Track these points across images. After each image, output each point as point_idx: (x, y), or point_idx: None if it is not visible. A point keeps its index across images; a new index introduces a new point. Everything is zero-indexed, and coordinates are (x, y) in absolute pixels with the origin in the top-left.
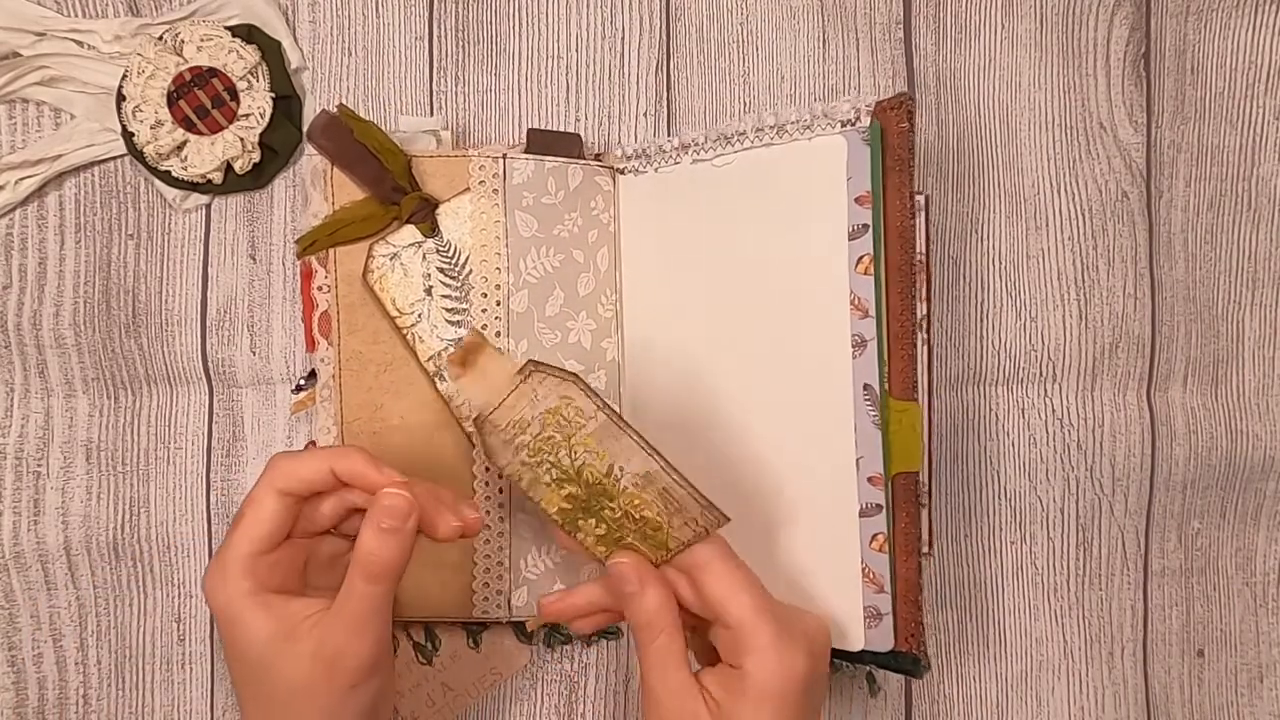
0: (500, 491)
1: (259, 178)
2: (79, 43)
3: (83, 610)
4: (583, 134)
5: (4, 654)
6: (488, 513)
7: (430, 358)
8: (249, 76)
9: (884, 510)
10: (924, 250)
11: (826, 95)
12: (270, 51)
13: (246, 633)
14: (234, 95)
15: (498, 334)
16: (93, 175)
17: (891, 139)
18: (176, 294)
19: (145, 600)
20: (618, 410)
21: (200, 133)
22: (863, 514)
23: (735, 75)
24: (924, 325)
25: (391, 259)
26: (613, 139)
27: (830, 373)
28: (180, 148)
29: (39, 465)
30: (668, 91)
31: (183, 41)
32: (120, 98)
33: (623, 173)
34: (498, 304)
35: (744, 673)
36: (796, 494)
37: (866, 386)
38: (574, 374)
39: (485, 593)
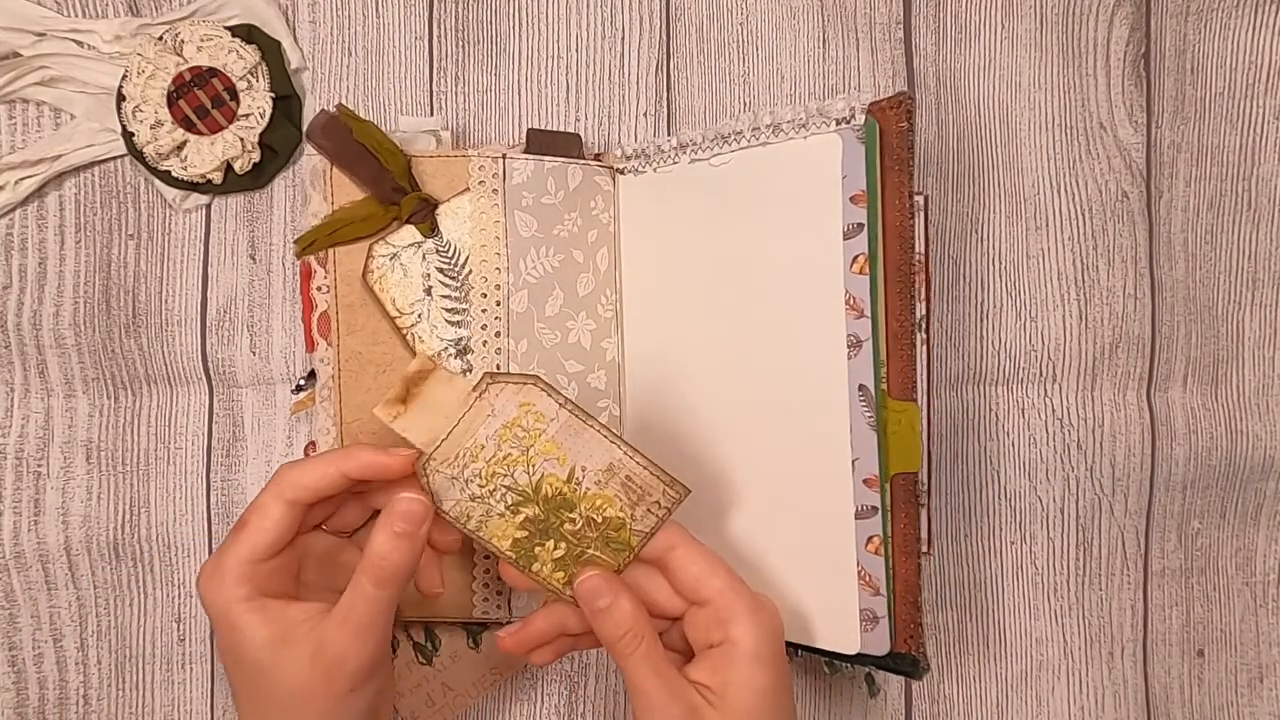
0: None
1: (259, 178)
2: (79, 43)
3: (83, 610)
4: (582, 134)
5: (4, 654)
6: None
7: (430, 358)
8: (249, 76)
9: (879, 512)
10: (923, 250)
11: (826, 95)
12: (270, 51)
13: (243, 637)
14: (234, 95)
15: (497, 334)
16: (93, 175)
17: (891, 138)
18: (176, 294)
19: (145, 600)
20: (578, 404)
21: (200, 133)
22: (858, 516)
23: (735, 75)
24: (923, 325)
25: (391, 259)
26: (612, 139)
27: (825, 373)
28: (180, 148)
29: (39, 465)
30: (667, 91)
31: (183, 41)
32: (120, 98)
33: (622, 173)
34: (497, 304)
35: (731, 642)
36: (791, 495)
37: (862, 387)
38: (534, 375)
39: (485, 593)
